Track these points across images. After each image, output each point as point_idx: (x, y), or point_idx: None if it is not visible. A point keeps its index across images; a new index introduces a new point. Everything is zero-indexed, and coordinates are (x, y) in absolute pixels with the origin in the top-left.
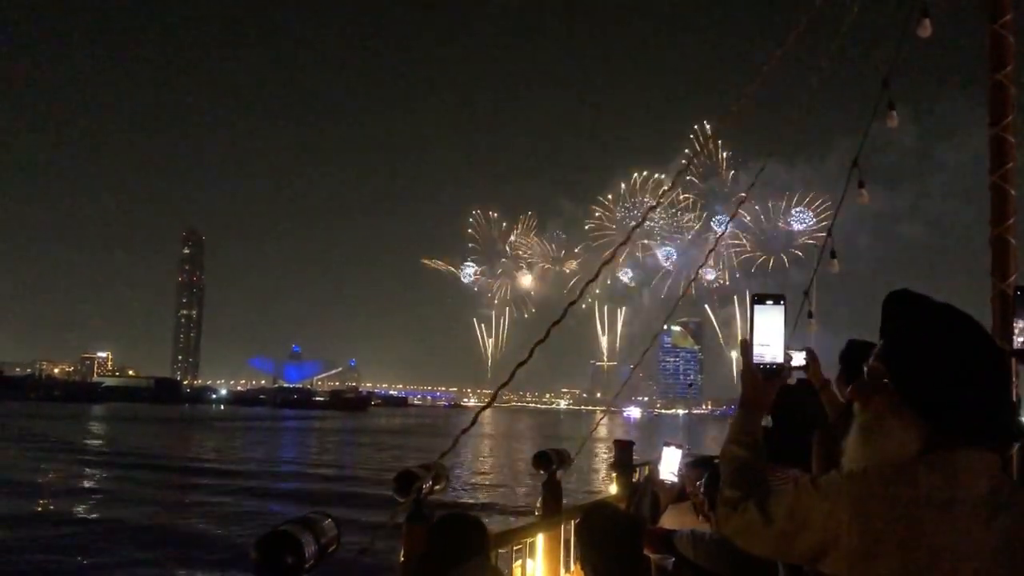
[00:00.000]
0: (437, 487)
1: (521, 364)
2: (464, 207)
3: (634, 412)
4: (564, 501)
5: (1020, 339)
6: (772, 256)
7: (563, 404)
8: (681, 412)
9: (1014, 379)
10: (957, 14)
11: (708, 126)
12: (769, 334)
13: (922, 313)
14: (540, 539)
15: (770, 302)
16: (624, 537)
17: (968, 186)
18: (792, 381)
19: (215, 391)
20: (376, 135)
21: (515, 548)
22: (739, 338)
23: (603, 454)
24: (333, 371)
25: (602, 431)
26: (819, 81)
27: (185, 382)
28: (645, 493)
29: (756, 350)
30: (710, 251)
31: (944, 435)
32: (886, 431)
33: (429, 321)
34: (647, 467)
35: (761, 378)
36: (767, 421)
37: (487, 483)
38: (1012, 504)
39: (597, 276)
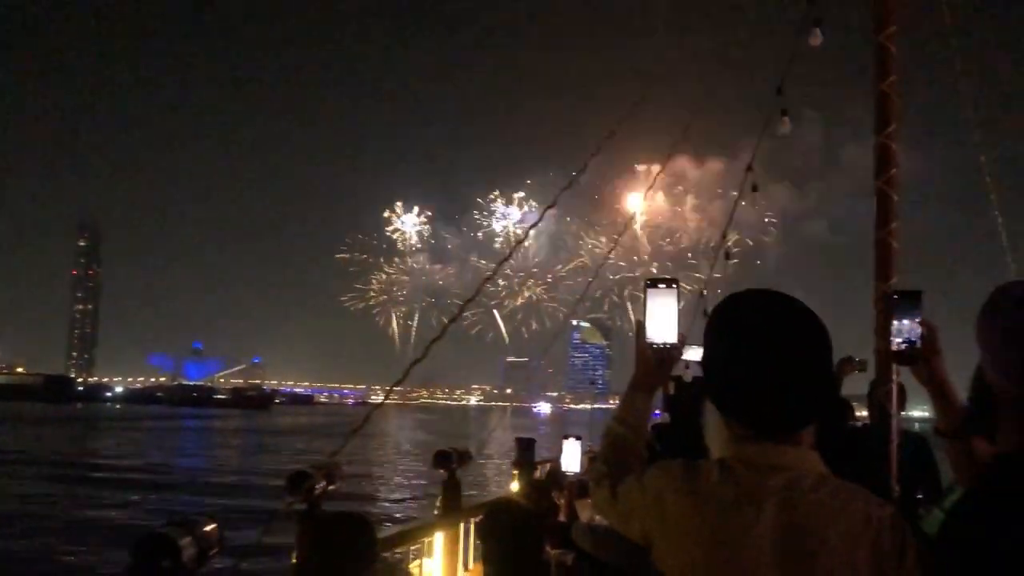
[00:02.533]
0: (332, 486)
1: (416, 361)
2: (378, 199)
3: (544, 407)
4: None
5: (897, 341)
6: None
7: (474, 400)
8: (588, 407)
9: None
10: (850, 24)
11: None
12: (662, 316)
13: (720, 308)
14: (439, 537)
15: (663, 285)
16: (525, 533)
17: (870, 187)
18: (688, 379)
19: (110, 389)
20: (282, 125)
21: (412, 548)
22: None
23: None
24: (236, 368)
25: (518, 429)
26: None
27: (79, 379)
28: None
29: (650, 332)
30: (611, 248)
31: (743, 429)
32: (709, 428)
33: (338, 317)
34: (547, 464)
35: (653, 359)
36: (666, 418)
37: (387, 482)
38: (805, 502)
39: (495, 275)
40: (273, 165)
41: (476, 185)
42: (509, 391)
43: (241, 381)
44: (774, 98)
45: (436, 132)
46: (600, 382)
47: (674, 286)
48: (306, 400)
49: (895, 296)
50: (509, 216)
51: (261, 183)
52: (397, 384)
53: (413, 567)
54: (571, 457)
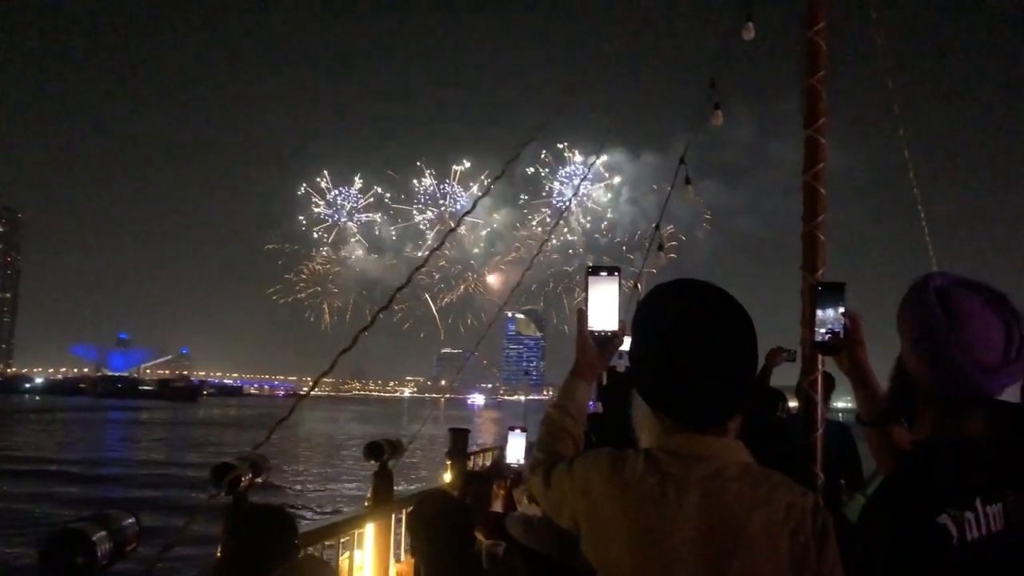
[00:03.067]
0: (258, 479)
1: (344, 351)
2: (307, 181)
3: (478, 399)
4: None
5: (821, 331)
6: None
7: (407, 392)
8: (522, 399)
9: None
10: (781, 20)
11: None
12: (604, 304)
13: (646, 300)
14: (369, 529)
15: (604, 273)
16: (455, 525)
17: (799, 182)
18: (621, 369)
19: (29, 380)
20: (211, 107)
21: (342, 540)
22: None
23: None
24: (163, 359)
25: (452, 420)
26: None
27: None
28: (483, 479)
29: (591, 320)
30: (545, 239)
31: (670, 420)
32: (636, 418)
33: (270, 308)
34: (489, 453)
35: (594, 346)
36: (599, 408)
37: (316, 476)
38: (727, 491)
39: (426, 262)
40: (202, 154)
41: (409, 173)
42: (443, 383)
43: (168, 372)
44: (707, 91)
45: (374, 120)
46: (535, 373)
47: (616, 274)
48: (235, 392)
49: (819, 288)
50: (448, 204)
51: (194, 171)
52: (324, 375)
53: (343, 560)
54: (515, 449)
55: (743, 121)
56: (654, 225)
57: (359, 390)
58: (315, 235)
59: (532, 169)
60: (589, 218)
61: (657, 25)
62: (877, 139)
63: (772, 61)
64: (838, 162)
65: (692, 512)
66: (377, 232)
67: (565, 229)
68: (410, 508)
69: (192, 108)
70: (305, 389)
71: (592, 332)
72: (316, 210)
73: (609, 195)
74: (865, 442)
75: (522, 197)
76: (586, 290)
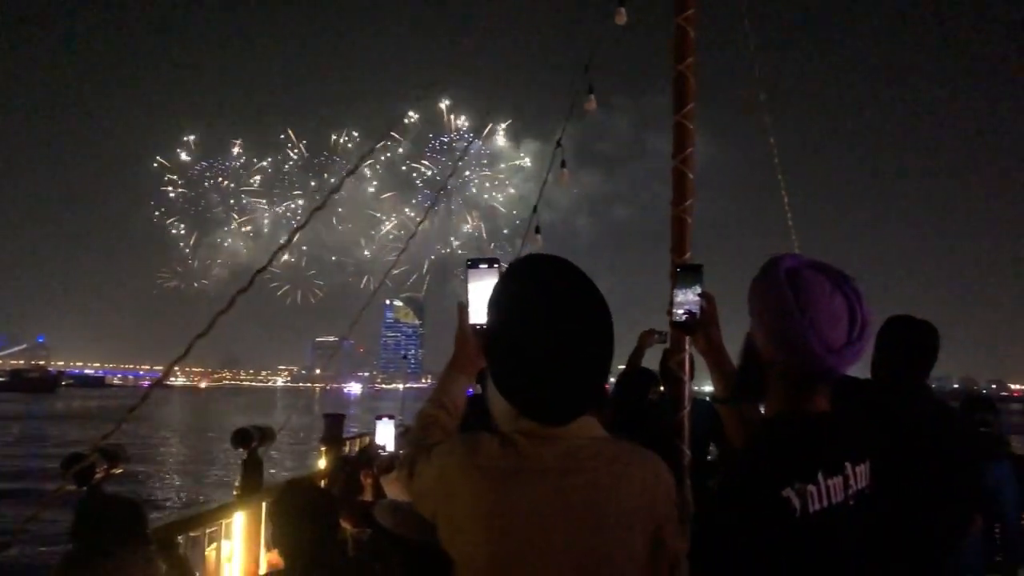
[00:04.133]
0: (115, 470)
1: (200, 336)
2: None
3: (354, 388)
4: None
5: (679, 312)
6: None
7: (280, 381)
8: (400, 387)
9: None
10: (653, 8)
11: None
12: (484, 297)
13: (501, 281)
14: (238, 518)
15: (484, 265)
16: (319, 514)
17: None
18: None
19: None
20: (71, 75)
21: (209, 531)
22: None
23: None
24: (17, 348)
25: (327, 408)
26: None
27: None
28: (352, 466)
29: (471, 312)
30: (420, 221)
31: (515, 407)
32: (490, 401)
33: (134, 292)
34: (359, 440)
35: (474, 341)
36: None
37: (182, 467)
38: (583, 470)
39: (290, 241)
40: (62, 112)
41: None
42: (318, 371)
43: (22, 362)
44: (582, 76)
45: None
46: (413, 361)
47: (495, 266)
48: (97, 382)
49: (678, 269)
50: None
51: (49, 135)
52: (178, 360)
53: (210, 551)
54: (383, 436)
55: (622, 113)
56: (533, 208)
57: (230, 379)
58: (173, 221)
59: (406, 160)
60: (475, 207)
61: (531, 9)
62: (745, 128)
63: (649, 54)
64: (709, 151)
65: (550, 493)
66: (257, 210)
67: (452, 217)
68: (271, 499)
69: (56, 74)
70: (173, 379)
71: (473, 326)
72: (171, 190)
73: (491, 183)
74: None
75: (418, 183)
76: (466, 283)
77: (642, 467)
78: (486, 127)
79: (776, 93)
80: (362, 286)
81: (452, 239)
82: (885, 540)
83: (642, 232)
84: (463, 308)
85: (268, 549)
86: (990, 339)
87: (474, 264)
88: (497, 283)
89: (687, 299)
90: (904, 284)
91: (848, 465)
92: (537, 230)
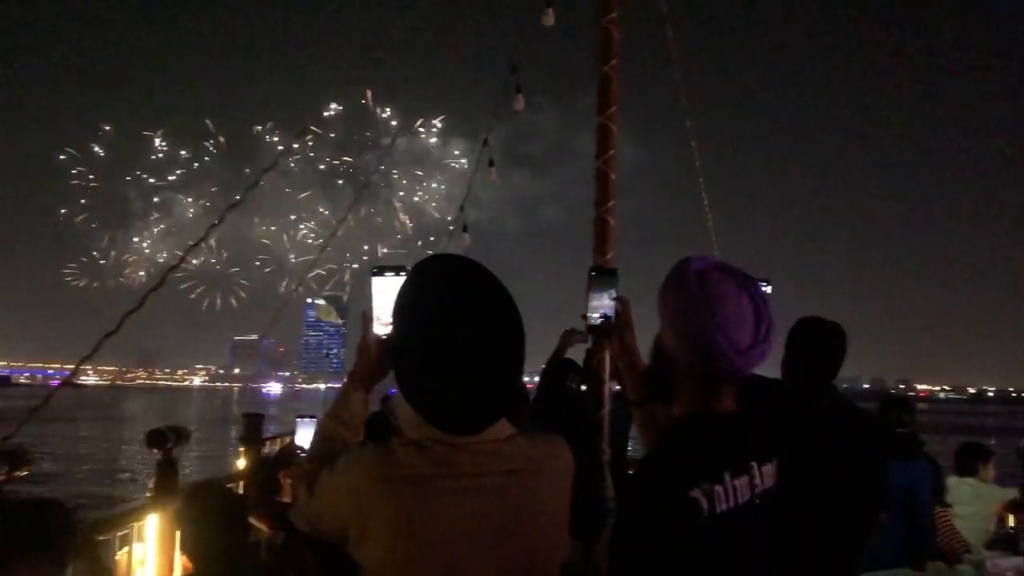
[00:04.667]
0: (18, 473)
1: (109, 335)
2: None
3: (274, 388)
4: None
5: (594, 316)
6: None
7: (198, 381)
8: (322, 387)
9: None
10: (581, 8)
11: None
12: (390, 305)
13: (406, 284)
14: (151, 521)
15: (390, 273)
16: (227, 517)
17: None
18: None
19: None
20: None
21: (120, 534)
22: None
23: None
24: None
25: (246, 408)
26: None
27: None
28: (270, 467)
29: (376, 323)
30: (340, 220)
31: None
32: (399, 408)
33: (41, 289)
34: (279, 440)
35: (375, 353)
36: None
37: (93, 469)
38: (500, 472)
39: (205, 239)
40: None
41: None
42: (237, 371)
43: None
44: (509, 76)
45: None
46: (335, 361)
47: (403, 274)
48: (3, 381)
49: (593, 273)
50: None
51: None
52: (85, 360)
53: (121, 555)
54: (304, 438)
55: (549, 113)
56: (460, 207)
57: (145, 379)
58: (84, 218)
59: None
60: (401, 205)
61: (460, 8)
62: (668, 131)
63: (576, 55)
64: (635, 153)
65: (469, 498)
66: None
67: (378, 216)
68: (178, 503)
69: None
70: (84, 378)
71: (379, 337)
72: (80, 183)
73: (418, 181)
74: None
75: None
76: (372, 293)
77: (555, 461)
78: (412, 124)
79: (698, 97)
80: (283, 286)
81: (377, 237)
82: (791, 539)
83: (568, 231)
84: (367, 318)
85: (183, 552)
86: (899, 341)
87: (380, 272)
88: (402, 286)
89: (602, 303)
90: (817, 286)
91: (754, 465)
92: (464, 229)
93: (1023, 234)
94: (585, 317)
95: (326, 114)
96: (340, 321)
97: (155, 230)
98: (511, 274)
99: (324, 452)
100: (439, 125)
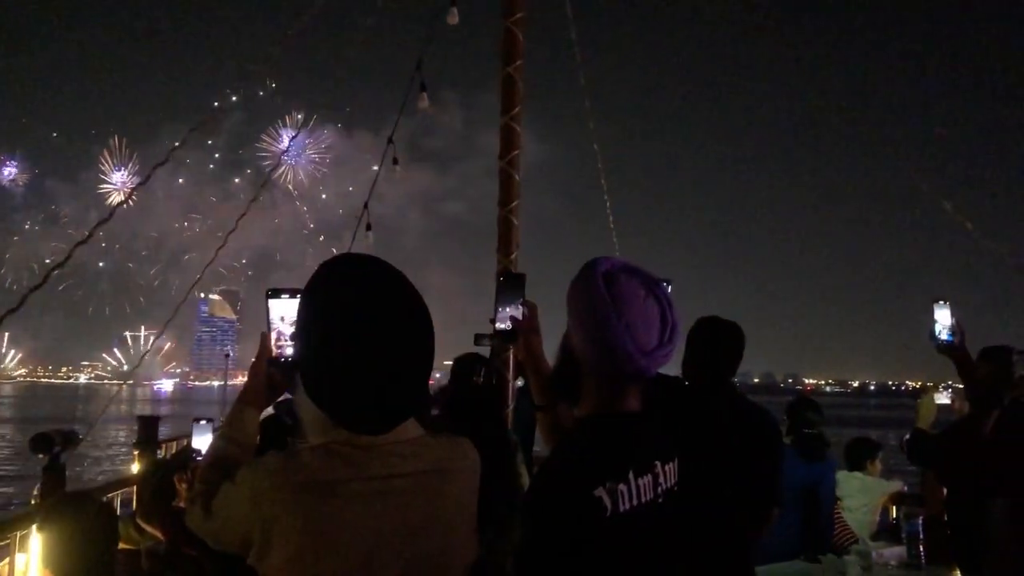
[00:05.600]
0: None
1: None
2: None
3: (166, 385)
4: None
5: (501, 320)
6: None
7: (83, 379)
8: (216, 384)
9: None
10: (484, 8)
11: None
12: (288, 329)
13: (313, 280)
14: (36, 531)
15: (286, 296)
16: (96, 531)
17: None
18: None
19: None
20: None
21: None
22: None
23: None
24: None
25: (137, 407)
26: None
27: None
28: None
29: (273, 345)
30: (242, 214)
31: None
32: (303, 411)
33: None
34: (176, 443)
35: (266, 373)
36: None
37: None
38: (410, 474)
39: (89, 238)
40: None
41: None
42: (126, 368)
43: None
44: (415, 73)
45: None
46: (230, 358)
47: (298, 296)
48: None
49: (501, 279)
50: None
51: None
52: None
53: (2, 565)
54: (201, 443)
55: (455, 109)
56: (364, 205)
57: (25, 377)
58: None
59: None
60: (302, 200)
61: (364, 3)
62: (574, 131)
63: (482, 52)
64: (539, 152)
65: (380, 503)
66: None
67: (276, 220)
68: (41, 517)
69: None
70: None
71: (276, 358)
72: None
73: (320, 174)
74: None
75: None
76: (267, 314)
77: (463, 461)
78: (315, 118)
79: (603, 98)
80: (177, 282)
81: (277, 232)
82: (691, 536)
83: (474, 228)
84: (266, 338)
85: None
86: (787, 337)
87: (275, 294)
88: (307, 286)
89: (509, 308)
90: (712, 285)
91: (658, 464)
92: (368, 227)
93: (902, 239)
94: (493, 322)
95: (224, 107)
96: (234, 317)
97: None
98: (414, 269)
99: (217, 472)
100: (340, 125)
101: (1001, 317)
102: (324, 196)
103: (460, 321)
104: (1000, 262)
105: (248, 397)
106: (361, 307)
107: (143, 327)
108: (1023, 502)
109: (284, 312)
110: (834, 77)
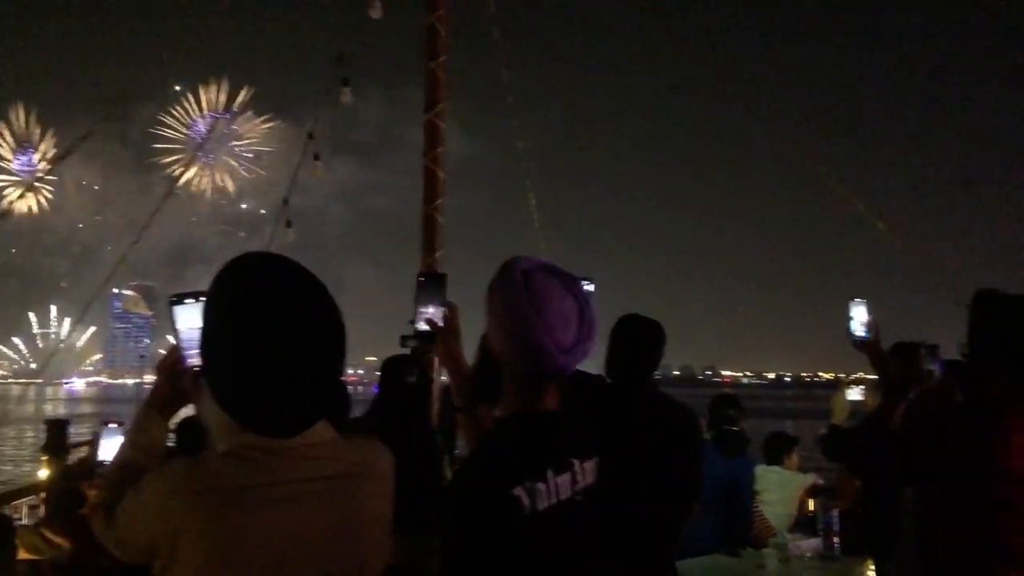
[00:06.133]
0: None
1: None
2: None
3: (78, 384)
4: None
5: (422, 320)
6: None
7: None
8: (130, 382)
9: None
10: (409, 2)
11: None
12: (195, 335)
13: (218, 279)
14: None
15: (191, 300)
16: None
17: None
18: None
19: None
20: None
21: None
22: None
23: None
24: None
25: (48, 408)
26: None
27: None
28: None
29: (182, 353)
30: (156, 209)
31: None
32: (209, 416)
33: None
34: (87, 446)
35: (174, 381)
36: None
37: None
38: (322, 478)
39: None
40: None
41: None
42: (34, 366)
43: None
44: (336, 66)
45: None
46: (145, 355)
47: (202, 300)
48: None
49: (421, 279)
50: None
51: None
52: None
53: None
54: (110, 448)
55: (379, 102)
56: (283, 201)
57: None
58: None
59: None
60: (219, 190)
61: None
62: (498, 129)
63: (406, 45)
64: (464, 149)
65: (292, 509)
66: None
67: (193, 218)
68: None
69: None
70: None
71: (186, 368)
72: None
73: (238, 164)
74: None
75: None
76: (173, 322)
77: (377, 465)
78: (232, 108)
79: (527, 95)
80: (90, 276)
81: (193, 226)
82: (612, 533)
83: (399, 222)
84: (176, 348)
85: None
86: (705, 331)
87: (179, 300)
88: (211, 287)
89: (429, 309)
90: (635, 280)
91: (576, 462)
92: (288, 224)
93: (815, 238)
94: (413, 323)
95: (133, 98)
96: (149, 312)
97: None
98: (338, 265)
99: (122, 479)
100: (263, 119)
101: (914, 315)
102: (244, 190)
103: (386, 318)
104: (912, 261)
105: (154, 399)
106: (265, 307)
107: (52, 322)
108: (928, 492)
109: (189, 318)
110: (753, 76)
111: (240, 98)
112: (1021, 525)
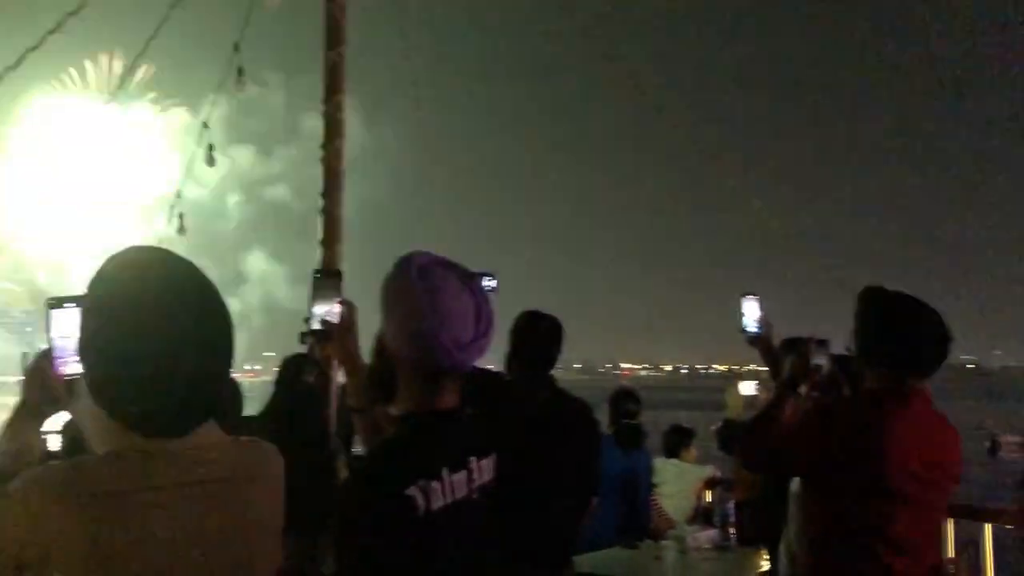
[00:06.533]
0: None
1: None
2: None
3: None
4: None
5: (317, 319)
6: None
7: None
8: (10, 380)
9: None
10: None
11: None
12: (71, 342)
13: (98, 276)
14: None
15: (70, 305)
16: None
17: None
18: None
19: None
20: None
21: None
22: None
23: None
24: None
25: None
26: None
27: None
28: None
29: (56, 359)
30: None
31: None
32: (85, 417)
33: None
34: None
35: (41, 391)
36: None
37: None
38: (209, 481)
39: None
40: None
41: None
42: None
43: None
44: (232, 54)
45: None
46: (27, 355)
47: (82, 304)
48: None
49: (316, 276)
50: None
51: None
52: None
53: None
54: None
55: (277, 92)
56: (176, 194)
57: None
58: None
59: None
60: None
61: None
62: (401, 122)
63: (305, 34)
64: (366, 140)
65: (169, 510)
66: None
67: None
68: None
69: None
70: None
71: (60, 375)
72: None
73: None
74: None
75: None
76: (48, 325)
77: (267, 467)
78: (121, 91)
79: (431, 88)
80: None
81: (80, 219)
82: (510, 530)
83: (298, 213)
84: (47, 355)
85: None
86: (604, 326)
87: (57, 304)
88: (89, 284)
89: (325, 307)
90: (536, 275)
91: (472, 459)
92: (180, 218)
93: (710, 234)
94: (307, 322)
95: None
96: (32, 307)
97: None
98: (233, 256)
99: None
100: (153, 103)
101: (806, 310)
102: (134, 178)
103: (285, 312)
104: (806, 259)
105: (27, 406)
106: (145, 302)
107: None
108: (815, 482)
109: (67, 324)
110: (657, 74)
111: (138, 76)
112: (903, 513)
